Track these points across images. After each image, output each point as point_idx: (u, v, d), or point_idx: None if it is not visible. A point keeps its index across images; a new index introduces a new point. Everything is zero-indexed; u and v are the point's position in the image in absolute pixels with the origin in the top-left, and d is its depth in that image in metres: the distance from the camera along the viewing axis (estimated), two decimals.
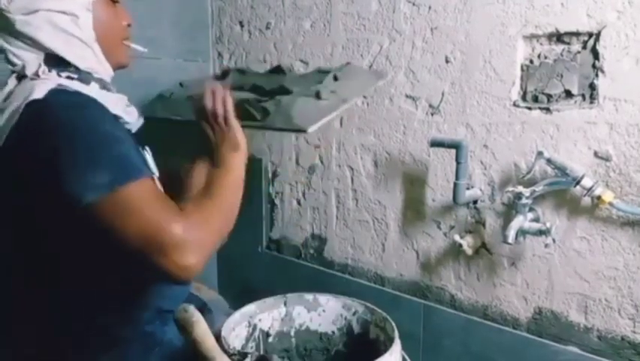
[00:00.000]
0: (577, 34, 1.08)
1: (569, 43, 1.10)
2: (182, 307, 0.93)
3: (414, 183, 1.37)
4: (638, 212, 1.02)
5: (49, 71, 0.93)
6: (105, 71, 1.00)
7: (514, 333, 1.21)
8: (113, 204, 0.80)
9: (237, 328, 1.20)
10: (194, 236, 0.82)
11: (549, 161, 1.08)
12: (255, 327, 1.25)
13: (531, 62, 1.16)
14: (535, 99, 1.16)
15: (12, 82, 0.95)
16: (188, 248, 0.81)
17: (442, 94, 1.28)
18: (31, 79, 0.92)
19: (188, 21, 1.77)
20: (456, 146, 1.19)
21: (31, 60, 0.93)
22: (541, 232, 1.09)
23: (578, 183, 1.04)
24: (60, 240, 0.90)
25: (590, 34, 1.06)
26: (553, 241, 1.13)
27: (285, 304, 1.30)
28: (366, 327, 1.26)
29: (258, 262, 1.77)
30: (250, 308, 1.25)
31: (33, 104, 0.85)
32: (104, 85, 0.98)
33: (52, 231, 0.89)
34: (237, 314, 1.20)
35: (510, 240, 1.08)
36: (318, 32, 1.54)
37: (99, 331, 0.95)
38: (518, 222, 1.10)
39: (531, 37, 1.15)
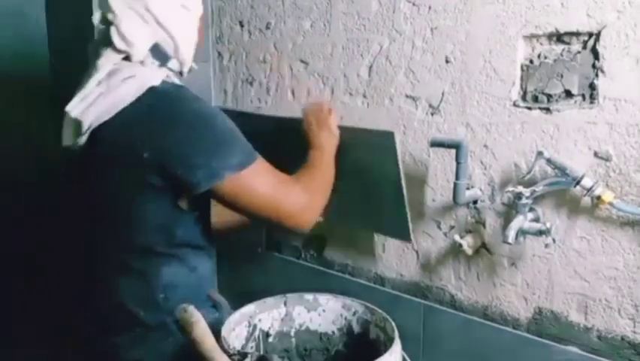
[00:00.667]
0: (577, 34, 1.08)
1: (569, 43, 1.10)
2: (182, 307, 0.93)
3: (414, 183, 1.36)
4: (638, 212, 1.02)
5: (160, 65, 1.04)
6: (186, 72, 1.12)
7: (514, 333, 1.21)
8: (247, 178, 0.99)
9: (237, 328, 1.20)
10: (308, 200, 1.07)
11: (549, 161, 1.08)
12: (254, 327, 1.26)
13: (531, 62, 1.16)
14: (535, 99, 1.16)
15: (110, 57, 1.00)
16: (306, 211, 1.07)
17: (442, 94, 1.28)
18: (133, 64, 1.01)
19: None
20: (456, 146, 1.19)
21: (137, 45, 0.99)
22: (541, 232, 1.09)
23: (578, 183, 1.04)
24: (168, 216, 1.02)
25: (590, 34, 1.06)
26: (554, 241, 1.13)
27: (285, 304, 1.30)
28: (366, 327, 1.26)
29: (258, 262, 1.77)
30: (250, 308, 1.25)
31: (153, 90, 0.97)
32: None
33: (165, 206, 1.01)
34: (237, 314, 1.20)
35: (510, 240, 1.08)
36: (318, 32, 1.54)
37: (128, 314, 1.06)
38: (518, 222, 1.10)
39: (531, 37, 1.15)
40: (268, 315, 1.28)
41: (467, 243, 1.24)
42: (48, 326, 1.84)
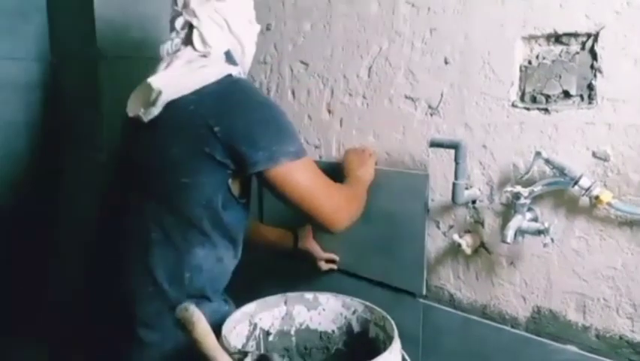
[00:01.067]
0: (575, 35, 1.09)
1: (567, 44, 1.11)
2: (183, 305, 0.94)
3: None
4: (636, 212, 1.02)
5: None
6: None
7: (513, 332, 1.22)
8: (297, 168, 1.09)
9: (238, 327, 1.20)
10: (345, 205, 1.19)
11: (547, 161, 1.09)
12: (255, 326, 1.26)
13: (529, 62, 1.16)
14: (534, 100, 1.16)
15: (186, 53, 1.13)
16: (341, 214, 1.18)
17: (441, 95, 1.29)
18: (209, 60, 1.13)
19: None
20: (455, 146, 1.20)
21: (215, 50, 1.13)
22: (539, 232, 1.10)
23: (576, 183, 1.05)
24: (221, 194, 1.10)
25: (589, 35, 1.07)
26: (552, 240, 1.13)
27: (285, 303, 1.31)
28: (365, 326, 1.26)
29: (258, 262, 1.77)
30: (250, 307, 1.25)
31: (230, 77, 1.10)
32: None
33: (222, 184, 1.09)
34: (238, 313, 1.21)
35: (509, 239, 1.09)
36: (318, 34, 1.55)
37: (153, 283, 1.11)
38: (517, 221, 1.11)
39: (529, 38, 1.15)
40: (269, 314, 1.29)
41: (466, 242, 1.25)
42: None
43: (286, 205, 1.15)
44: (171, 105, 1.08)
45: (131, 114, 1.14)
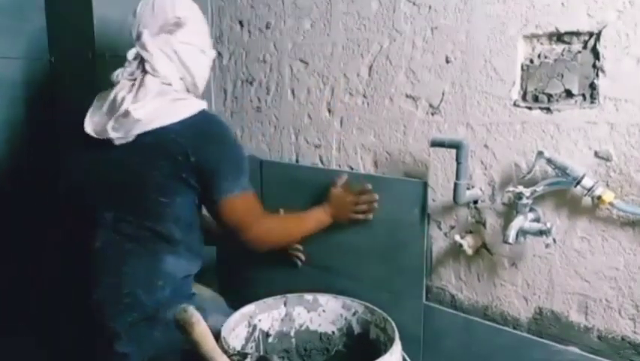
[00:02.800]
0: (577, 33, 1.08)
1: (569, 43, 1.10)
2: (182, 307, 0.93)
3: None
4: (639, 212, 1.01)
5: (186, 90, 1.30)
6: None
7: (515, 333, 1.21)
8: (243, 198, 1.24)
9: (237, 328, 1.20)
10: (263, 237, 1.28)
11: (549, 161, 1.08)
12: (254, 327, 1.25)
13: (531, 61, 1.16)
14: (536, 99, 1.16)
15: (154, 83, 1.22)
16: (259, 241, 1.28)
17: (443, 94, 1.28)
18: (176, 91, 1.24)
19: None
20: (456, 146, 1.19)
21: (172, 78, 1.25)
22: (541, 232, 1.09)
23: (578, 183, 1.04)
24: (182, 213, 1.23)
25: (591, 34, 1.06)
26: (554, 241, 1.13)
27: (285, 304, 1.30)
28: (366, 327, 1.26)
29: (258, 263, 1.77)
30: (250, 308, 1.25)
31: (205, 112, 1.23)
32: None
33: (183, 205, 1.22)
34: (237, 314, 1.20)
35: (510, 240, 1.08)
36: (318, 32, 1.54)
37: (128, 295, 1.20)
38: (519, 222, 1.10)
39: (531, 37, 1.14)
40: (268, 315, 1.28)
41: (467, 243, 1.24)
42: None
43: (220, 224, 1.27)
44: (152, 132, 1.18)
45: (95, 134, 1.22)
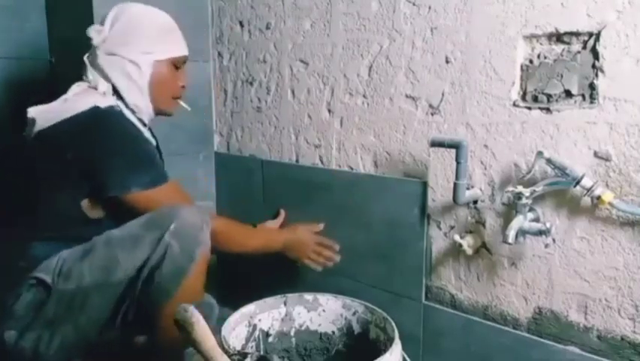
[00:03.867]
0: (577, 34, 1.08)
1: (568, 43, 1.10)
2: (182, 307, 0.93)
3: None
4: (638, 212, 1.02)
5: (112, 94, 1.28)
6: (147, 113, 1.34)
7: (514, 333, 1.21)
8: (154, 195, 1.21)
9: (237, 328, 1.20)
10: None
11: (549, 161, 1.08)
12: (255, 327, 1.26)
13: (531, 61, 1.16)
14: (535, 99, 1.16)
15: (81, 86, 1.28)
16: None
17: (442, 94, 1.28)
18: (97, 95, 1.25)
19: (188, 21, 1.77)
20: (456, 146, 1.19)
21: (101, 84, 1.27)
22: (541, 232, 1.09)
23: (577, 183, 1.04)
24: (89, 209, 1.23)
25: (590, 34, 1.06)
26: (553, 241, 1.13)
27: (285, 304, 1.30)
28: (366, 327, 1.26)
29: (256, 263, 1.77)
30: (250, 308, 1.25)
31: (95, 108, 1.19)
32: (140, 120, 1.33)
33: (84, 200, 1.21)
34: (237, 314, 1.20)
35: (510, 240, 1.08)
36: (318, 32, 1.54)
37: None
38: (518, 222, 1.10)
39: (531, 37, 1.15)
40: (268, 315, 1.28)
41: (467, 243, 1.25)
42: None
43: None
44: (45, 130, 1.21)
45: (24, 132, 1.28)
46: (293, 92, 1.64)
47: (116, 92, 1.29)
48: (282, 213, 1.64)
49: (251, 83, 1.77)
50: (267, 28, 1.68)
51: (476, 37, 1.21)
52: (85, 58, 1.30)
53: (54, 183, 1.21)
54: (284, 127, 1.68)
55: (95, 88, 1.27)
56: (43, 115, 1.22)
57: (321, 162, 1.59)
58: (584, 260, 1.11)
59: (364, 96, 1.45)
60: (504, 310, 1.24)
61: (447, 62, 1.27)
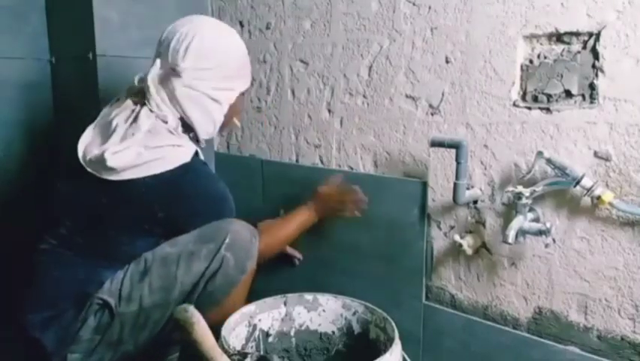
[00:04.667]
0: (577, 34, 1.08)
1: (569, 43, 1.10)
2: (182, 307, 0.93)
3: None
4: (638, 212, 1.02)
5: (183, 131, 1.24)
6: (209, 136, 1.32)
7: (514, 333, 1.21)
8: None
9: (237, 328, 1.20)
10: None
11: (549, 161, 1.08)
12: (254, 327, 1.25)
13: (531, 61, 1.16)
14: (535, 99, 1.16)
15: (150, 118, 1.19)
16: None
17: (442, 94, 1.28)
18: (169, 131, 1.20)
19: None
20: (456, 146, 1.19)
21: (171, 118, 1.21)
22: (541, 232, 1.09)
23: (577, 183, 1.04)
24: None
25: (590, 34, 1.06)
26: (553, 241, 1.13)
27: (285, 304, 1.30)
28: (366, 327, 1.26)
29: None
30: (250, 308, 1.25)
31: (184, 167, 1.17)
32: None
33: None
34: (237, 314, 1.20)
35: (510, 240, 1.08)
36: (318, 32, 1.54)
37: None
38: (518, 222, 1.10)
39: (531, 37, 1.15)
40: (268, 315, 1.28)
41: (467, 243, 1.25)
42: None
43: None
44: (125, 182, 1.14)
45: (82, 161, 1.17)
46: (293, 92, 1.64)
47: (184, 122, 1.24)
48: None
49: (251, 83, 1.77)
50: (267, 28, 1.68)
51: (476, 37, 1.21)
52: (150, 79, 1.19)
53: (132, 228, 1.18)
54: (284, 127, 1.68)
55: (164, 121, 1.20)
56: (123, 166, 1.13)
57: (321, 162, 1.59)
58: (584, 260, 1.11)
59: (364, 96, 1.45)
60: (504, 310, 1.24)
61: (447, 62, 1.27)
